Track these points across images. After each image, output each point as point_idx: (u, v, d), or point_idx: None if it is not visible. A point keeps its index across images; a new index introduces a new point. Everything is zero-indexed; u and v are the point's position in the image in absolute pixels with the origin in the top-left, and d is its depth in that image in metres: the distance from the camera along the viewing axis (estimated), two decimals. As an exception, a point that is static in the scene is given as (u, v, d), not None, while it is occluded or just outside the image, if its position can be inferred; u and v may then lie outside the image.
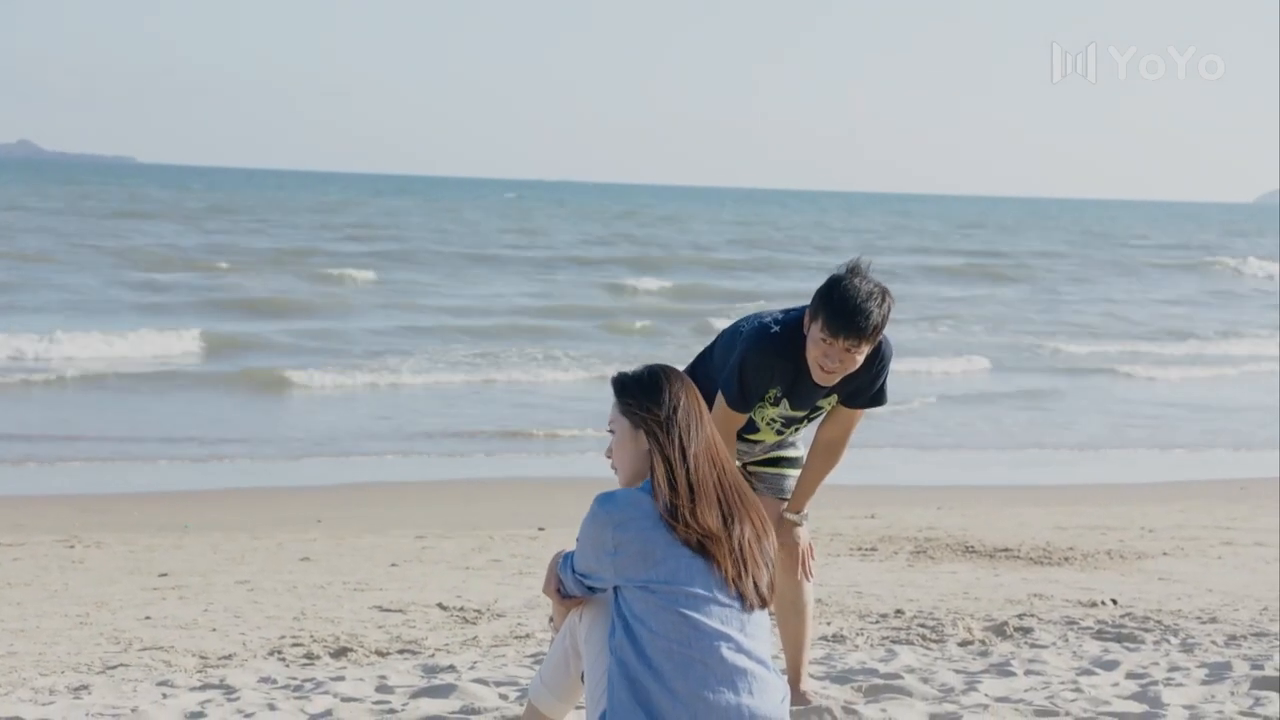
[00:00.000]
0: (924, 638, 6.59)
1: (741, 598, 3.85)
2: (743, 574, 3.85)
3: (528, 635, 6.62)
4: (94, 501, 10.58)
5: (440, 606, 7.24)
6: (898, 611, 7.16)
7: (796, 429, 5.14)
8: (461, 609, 7.19)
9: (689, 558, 3.80)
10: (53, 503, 10.57)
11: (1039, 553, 8.94)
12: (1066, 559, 8.78)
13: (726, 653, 3.79)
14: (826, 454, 5.13)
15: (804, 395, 4.98)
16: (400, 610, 7.16)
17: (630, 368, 4.07)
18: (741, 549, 3.86)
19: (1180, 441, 15.87)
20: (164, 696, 5.45)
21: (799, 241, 55.18)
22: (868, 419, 5.41)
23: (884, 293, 4.78)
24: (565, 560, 4.01)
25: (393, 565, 8.37)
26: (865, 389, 5.00)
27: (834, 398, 5.02)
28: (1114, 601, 7.47)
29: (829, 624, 6.86)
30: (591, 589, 3.96)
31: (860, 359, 4.79)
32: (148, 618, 6.92)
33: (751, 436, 5.11)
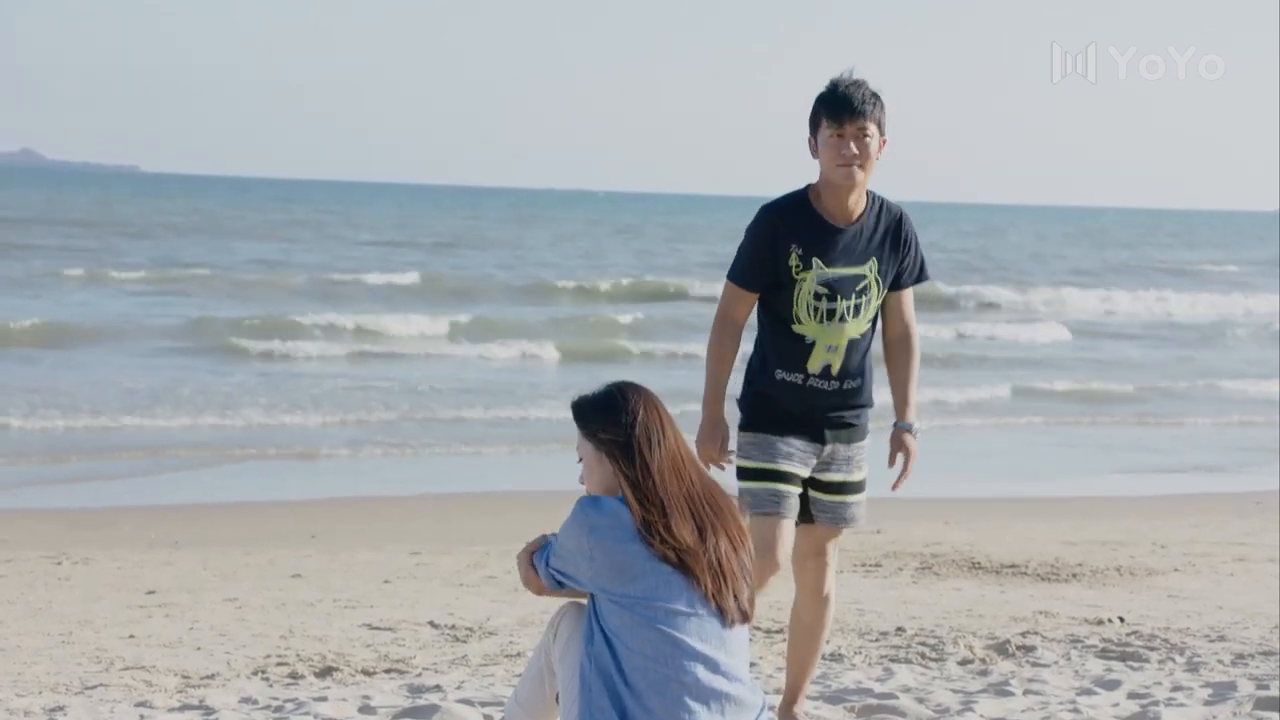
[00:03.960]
0: (924, 656, 6.43)
1: (722, 612, 3.79)
2: (722, 588, 3.80)
3: (518, 654, 6.48)
4: (85, 516, 10.46)
5: (431, 624, 7.10)
6: (898, 629, 7.00)
7: (845, 315, 4.83)
8: (453, 627, 7.04)
9: (668, 573, 3.76)
10: (43, 517, 10.44)
11: (1046, 569, 8.77)
12: (1075, 575, 8.61)
13: (703, 674, 3.75)
14: (902, 349, 5.02)
15: (832, 247, 4.83)
16: (390, 628, 7.02)
17: (590, 390, 4.01)
18: (719, 563, 3.81)
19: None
20: (141, 718, 5.33)
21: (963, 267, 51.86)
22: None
23: (865, 81, 4.84)
24: (542, 553, 3.94)
25: (385, 582, 8.23)
26: (908, 265, 4.94)
27: (873, 262, 4.87)
28: (1121, 619, 7.30)
29: (827, 642, 6.70)
30: (562, 585, 3.92)
31: (874, 141, 4.78)
32: (131, 636, 6.78)
33: (797, 329, 4.84)
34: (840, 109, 4.77)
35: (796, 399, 4.86)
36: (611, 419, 3.90)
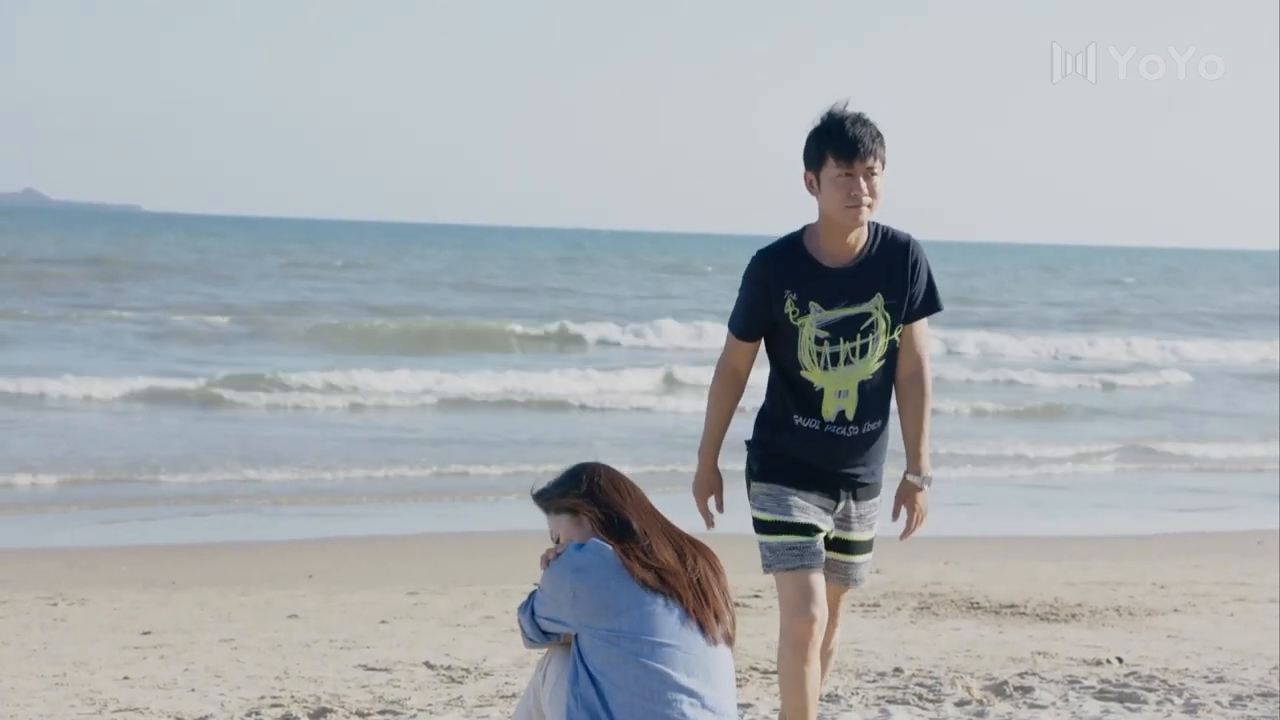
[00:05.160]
0: (920, 697, 6.40)
1: (703, 629, 3.81)
2: (703, 605, 3.83)
3: (514, 695, 6.44)
4: (81, 556, 10.42)
5: (427, 665, 7.07)
6: (896, 670, 6.97)
7: (850, 358, 4.71)
8: (449, 667, 7.01)
9: (650, 604, 3.78)
10: (41, 557, 10.40)
11: (1046, 609, 8.73)
12: (1074, 615, 8.57)
13: (689, 708, 3.77)
14: (913, 390, 4.81)
15: (829, 289, 4.70)
16: (386, 669, 6.99)
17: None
18: (700, 581, 3.85)
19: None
20: (132, 760, 5.30)
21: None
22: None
23: (863, 114, 4.73)
24: (525, 605, 3.95)
25: (382, 622, 8.20)
26: (916, 294, 4.78)
27: (878, 298, 4.72)
28: (1119, 660, 7.26)
29: (824, 683, 6.67)
30: (548, 635, 3.92)
31: (881, 179, 4.67)
32: (126, 678, 6.75)
33: (804, 375, 4.72)
34: (850, 149, 4.66)
35: (815, 447, 4.74)
36: (573, 482, 3.99)
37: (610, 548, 3.82)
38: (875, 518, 4.89)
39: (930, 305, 4.83)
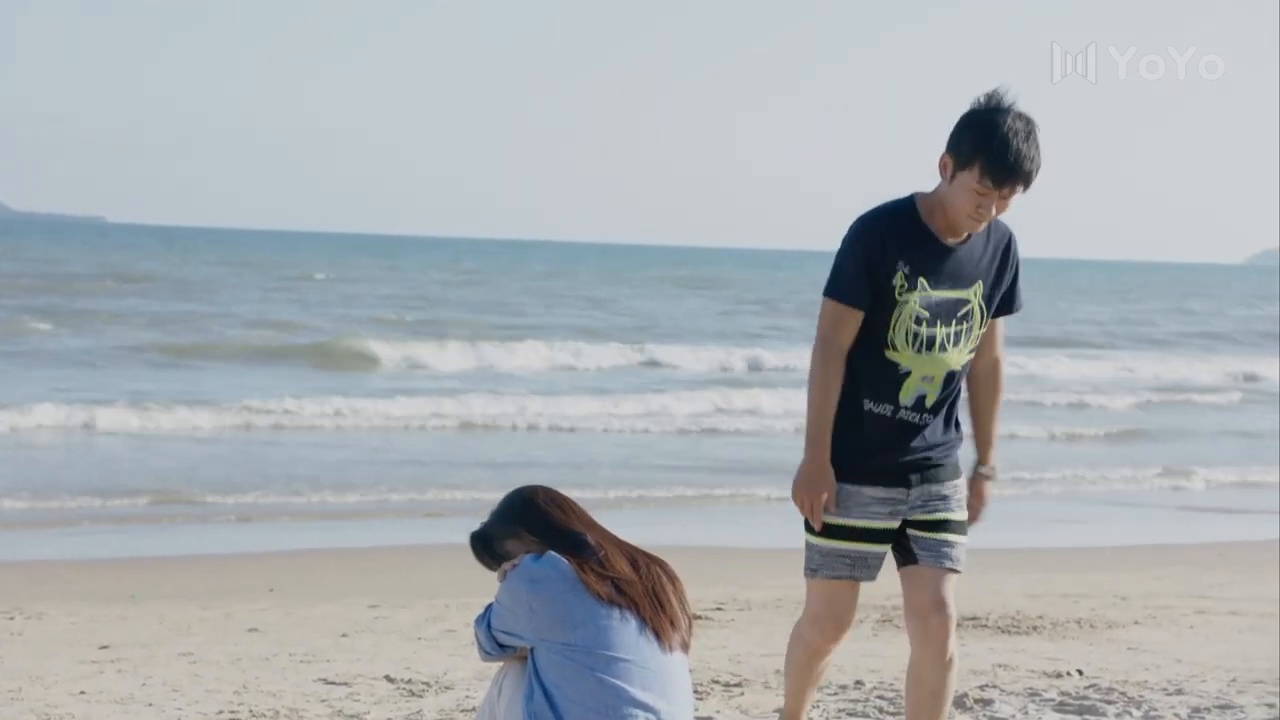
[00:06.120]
0: (881, 710, 6.40)
1: (659, 637, 3.80)
2: (659, 612, 3.82)
3: (474, 709, 6.41)
4: (41, 569, 10.34)
5: (388, 679, 7.03)
6: (857, 683, 6.97)
7: (945, 344, 4.41)
8: (409, 681, 6.98)
9: (606, 617, 3.76)
10: (-1, 571, 10.34)
11: (1008, 621, 8.74)
12: (1035, 628, 8.59)
13: None
14: (990, 383, 4.63)
15: (940, 267, 4.36)
16: (346, 683, 6.95)
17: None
18: (655, 589, 3.83)
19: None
20: (86, 776, 5.25)
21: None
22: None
23: (1034, 124, 4.31)
24: (482, 617, 3.93)
25: (343, 635, 8.16)
26: (1010, 290, 4.54)
27: (978, 285, 4.42)
28: (1080, 672, 7.28)
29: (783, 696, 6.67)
30: (504, 648, 3.90)
31: (1015, 200, 4.33)
32: (83, 692, 6.70)
33: (890, 355, 4.38)
34: (1006, 175, 4.26)
35: (882, 434, 4.44)
36: (511, 506, 3.97)
37: (566, 561, 3.81)
38: (962, 500, 4.61)
39: (1015, 303, 4.61)
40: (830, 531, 4.46)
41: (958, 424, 4.63)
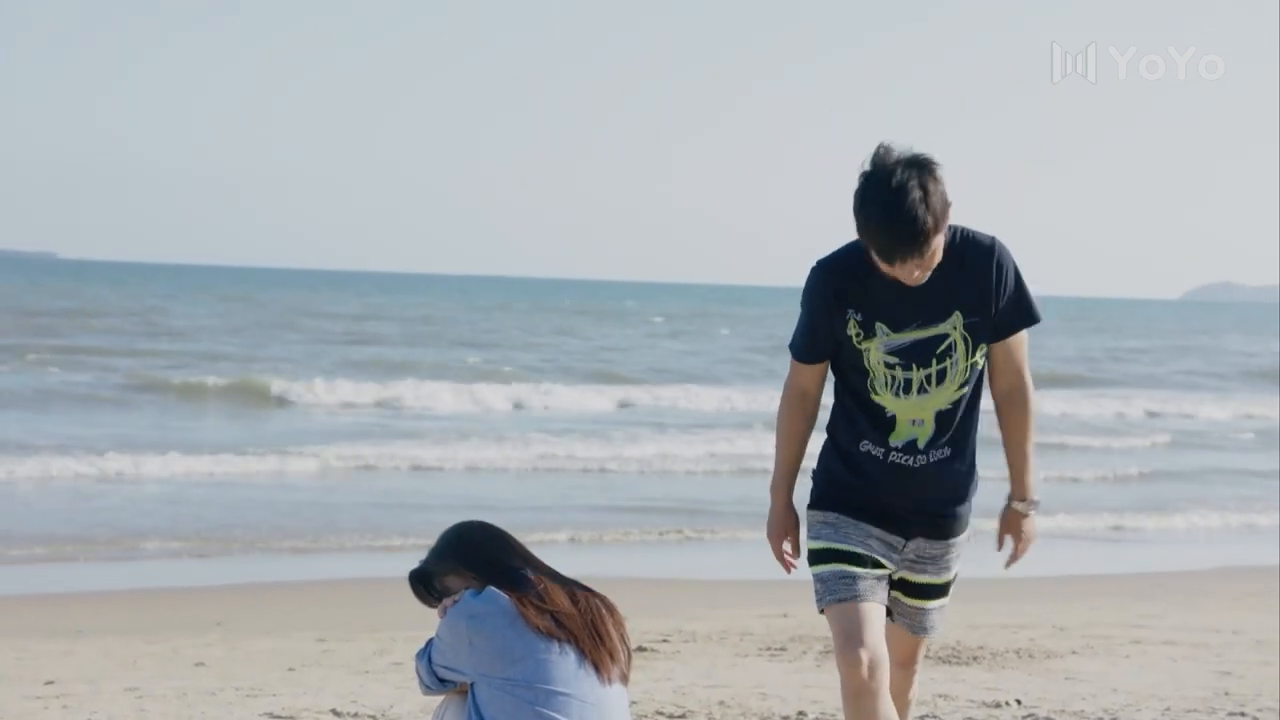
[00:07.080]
0: (823, 742, 6.49)
1: (598, 669, 3.84)
2: (598, 645, 3.86)
3: (421, 742, 6.47)
4: (-15, 604, 10.32)
5: (334, 713, 7.07)
6: (800, 714, 7.07)
7: (925, 386, 4.20)
8: (355, 715, 7.02)
9: (545, 652, 3.80)
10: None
11: (948, 651, 8.87)
12: (975, 658, 8.71)
13: None
14: (1013, 407, 4.28)
15: (895, 309, 4.13)
16: (292, 717, 6.98)
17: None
18: (594, 622, 3.87)
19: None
20: (34, 812, 5.27)
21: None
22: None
23: (920, 175, 3.95)
24: (423, 652, 3.98)
25: (290, 669, 8.19)
26: (1005, 309, 4.20)
27: (956, 316, 4.16)
28: (1018, 702, 7.40)
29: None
30: (445, 683, 3.93)
31: (937, 256, 4.03)
32: (29, 727, 6.71)
33: (875, 399, 4.22)
34: (893, 251, 3.99)
35: (878, 477, 4.26)
36: (446, 544, 3.99)
37: (506, 596, 3.86)
38: (954, 560, 4.39)
39: (1024, 317, 4.24)
40: (822, 556, 4.29)
41: (971, 465, 4.35)
